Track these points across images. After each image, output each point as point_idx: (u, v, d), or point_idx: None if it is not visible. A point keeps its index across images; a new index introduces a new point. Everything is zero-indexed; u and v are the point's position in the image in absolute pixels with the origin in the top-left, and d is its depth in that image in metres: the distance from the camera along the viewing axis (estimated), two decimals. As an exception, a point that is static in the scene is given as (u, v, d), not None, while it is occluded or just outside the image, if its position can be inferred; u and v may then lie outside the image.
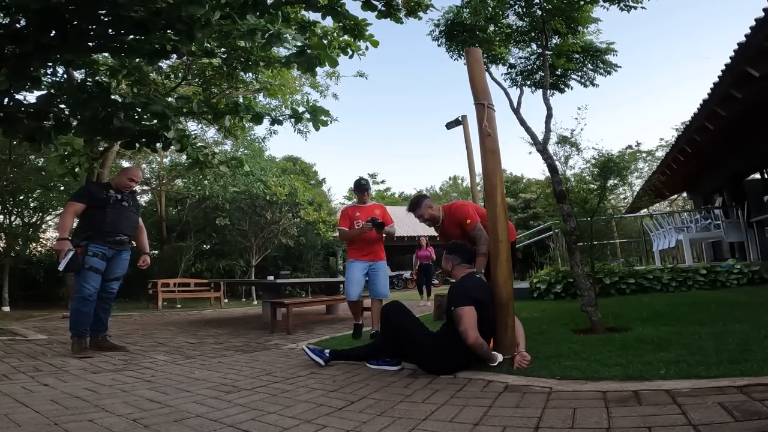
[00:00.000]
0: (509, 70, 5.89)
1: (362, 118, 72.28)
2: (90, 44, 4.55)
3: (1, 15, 4.45)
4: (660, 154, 21.14)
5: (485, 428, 1.64)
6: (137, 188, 4.88)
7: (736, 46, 4.41)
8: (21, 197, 11.63)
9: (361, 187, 4.54)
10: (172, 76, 8.02)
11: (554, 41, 5.35)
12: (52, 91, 4.96)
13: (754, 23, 4.06)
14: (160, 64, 7.05)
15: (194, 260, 15.04)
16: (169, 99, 5.79)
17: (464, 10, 5.37)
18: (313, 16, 5.06)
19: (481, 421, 1.71)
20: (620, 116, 62.16)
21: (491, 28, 5.49)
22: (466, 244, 3.10)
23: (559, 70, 5.49)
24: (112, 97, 4.86)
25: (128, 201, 3.98)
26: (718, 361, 2.20)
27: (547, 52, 5.06)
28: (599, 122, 50.31)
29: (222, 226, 15.12)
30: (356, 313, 4.31)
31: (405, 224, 24.55)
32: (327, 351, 3.03)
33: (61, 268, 3.54)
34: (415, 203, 3.62)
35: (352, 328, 4.32)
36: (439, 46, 5.74)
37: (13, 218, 11.77)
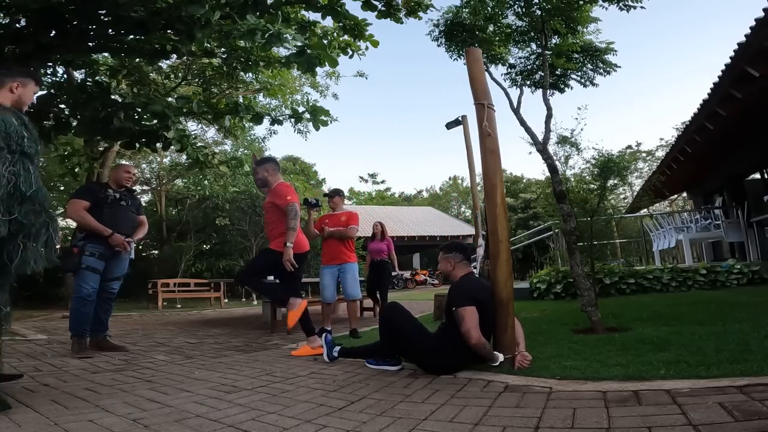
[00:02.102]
0: (509, 70, 5.89)
1: (362, 117, 72.45)
2: (90, 44, 4.56)
3: (1, 15, 4.45)
4: (660, 154, 21.18)
5: (485, 428, 1.64)
6: (137, 188, 4.90)
7: (736, 46, 4.41)
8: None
9: (327, 196, 4.93)
10: (172, 76, 8.03)
11: (554, 41, 5.34)
12: (52, 91, 4.96)
13: (754, 23, 4.06)
14: (160, 64, 7.06)
15: (194, 260, 15.04)
16: (169, 99, 5.79)
17: (464, 10, 5.37)
18: (313, 16, 5.07)
19: (481, 421, 1.71)
20: (620, 116, 62.29)
21: (491, 28, 5.48)
22: (463, 242, 3.13)
23: (559, 70, 5.48)
24: (112, 97, 4.88)
25: (127, 200, 3.97)
26: (718, 361, 2.19)
27: (546, 52, 5.06)
28: (599, 122, 50.39)
29: (222, 226, 15.13)
30: (326, 317, 4.60)
31: (403, 223, 24.63)
32: (336, 350, 3.03)
33: (132, 256, 3.86)
34: (264, 159, 3.83)
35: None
36: (438, 46, 5.73)
37: (13, 218, 11.75)
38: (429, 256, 27.31)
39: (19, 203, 1.95)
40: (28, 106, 2.38)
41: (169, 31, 4.35)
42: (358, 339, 4.23)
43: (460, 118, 6.57)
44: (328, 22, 5.00)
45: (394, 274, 23.45)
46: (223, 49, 5.68)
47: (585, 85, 5.62)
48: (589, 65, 5.48)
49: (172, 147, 5.54)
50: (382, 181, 45.49)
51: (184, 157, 8.01)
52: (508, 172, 31.49)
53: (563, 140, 4.29)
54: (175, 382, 2.60)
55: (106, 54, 5.77)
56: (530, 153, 7.39)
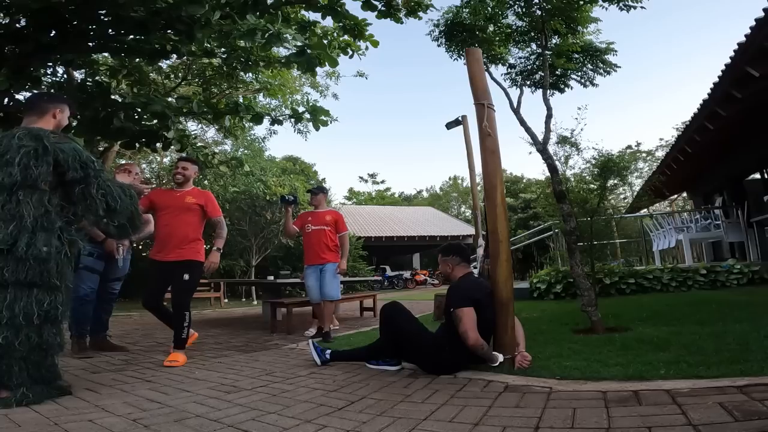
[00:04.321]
0: (509, 70, 5.89)
1: (362, 118, 72.50)
2: (90, 44, 4.56)
3: (1, 15, 4.45)
4: (660, 154, 21.19)
5: (485, 428, 1.64)
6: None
7: (736, 46, 4.41)
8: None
9: (311, 192, 4.77)
10: (172, 76, 8.03)
11: (554, 41, 5.35)
12: (52, 91, 4.96)
13: (754, 23, 4.06)
14: (160, 64, 7.07)
15: (194, 260, 15.02)
16: (169, 99, 5.80)
17: (464, 10, 5.37)
18: (313, 16, 5.07)
19: (481, 421, 1.71)
20: (620, 116, 62.31)
21: (491, 28, 5.48)
22: (459, 243, 3.13)
23: (559, 70, 5.48)
24: (112, 97, 4.88)
25: None
26: (718, 361, 2.19)
27: (546, 52, 5.06)
28: (599, 123, 50.37)
29: (222, 226, 15.10)
30: (320, 317, 4.43)
31: (403, 223, 24.62)
32: (328, 352, 3.03)
33: (121, 265, 3.85)
34: (196, 161, 3.82)
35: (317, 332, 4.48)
36: (438, 46, 5.73)
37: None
38: (429, 256, 27.31)
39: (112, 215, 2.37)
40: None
41: (169, 31, 4.35)
42: (330, 343, 3.97)
43: (460, 118, 6.57)
44: (328, 22, 5.01)
45: (394, 274, 23.08)
46: (223, 49, 5.68)
47: (585, 86, 5.62)
48: (589, 65, 5.48)
49: (172, 147, 5.55)
50: (382, 181, 45.56)
51: (184, 157, 8.04)
52: (508, 172, 31.51)
53: (563, 140, 4.29)
54: (175, 382, 2.60)
55: (106, 54, 5.77)
56: (530, 153, 7.39)
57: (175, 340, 3.33)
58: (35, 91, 4.42)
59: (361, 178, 45.18)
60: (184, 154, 3.79)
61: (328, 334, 4.28)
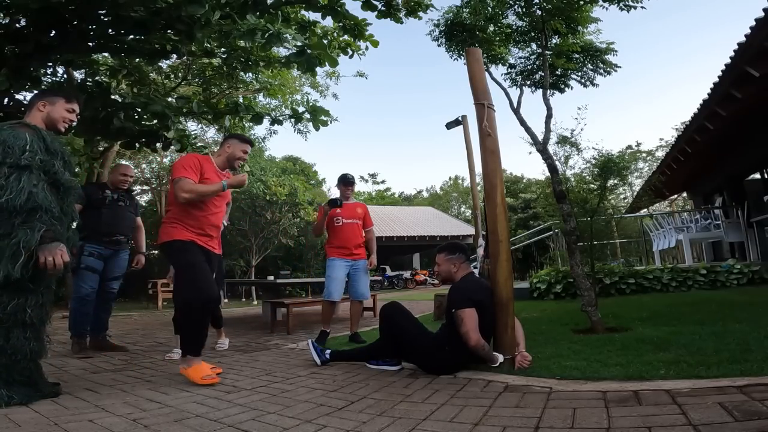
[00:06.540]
0: (509, 70, 5.89)
1: (362, 118, 72.53)
2: (90, 44, 4.55)
3: (1, 15, 4.45)
4: (660, 154, 21.18)
5: (485, 428, 1.64)
6: (137, 188, 4.89)
7: (736, 46, 4.41)
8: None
9: (347, 181, 4.34)
10: (172, 76, 8.03)
11: (554, 41, 5.35)
12: (52, 91, 4.95)
13: (754, 23, 4.06)
14: (160, 64, 7.06)
15: (194, 260, 15.03)
16: (169, 99, 5.79)
17: (464, 10, 5.38)
18: (313, 16, 5.07)
19: (481, 421, 1.71)
20: (620, 116, 62.34)
21: (491, 28, 5.49)
22: (461, 242, 3.11)
23: (559, 70, 5.48)
24: (112, 97, 4.88)
25: (125, 201, 3.99)
26: (718, 361, 2.19)
27: (546, 52, 5.06)
28: (599, 123, 50.39)
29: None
30: (329, 318, 4.09)
31: (403, 223, 24.62)
32: (327, 353, 3.02)
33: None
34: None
35: (318, 334, 4.03)
36: (439, 46, 5.75)
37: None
38: (429, 256, 27.29)
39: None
40: (68, 121, 2.47)
41: (169, 31, 4.35)
42: (362, 344, 3.67)
43: (460, 118, 6.58)
44: (328, 22, 5.00)
45: (394, 274, 23.03)
46: (223, 49, 5.67)
47: (585, 85, 5.63)
48: (589, 65, 5.49)
49: (172, 147, 5.54)
50: (383, 181, 45.59)
51: (184, 157, 8.04)
52: (508, 172, 31.51)
53: (563, 140, 4.30)
54: (175, 382, 2.60)
55: (106, 54, 5.77)
56: (530, 153, 7.41)
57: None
58: (35, 91, 4.41)
59: (361, 177, 45.18)
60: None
61: (357, 335, 4.07)
